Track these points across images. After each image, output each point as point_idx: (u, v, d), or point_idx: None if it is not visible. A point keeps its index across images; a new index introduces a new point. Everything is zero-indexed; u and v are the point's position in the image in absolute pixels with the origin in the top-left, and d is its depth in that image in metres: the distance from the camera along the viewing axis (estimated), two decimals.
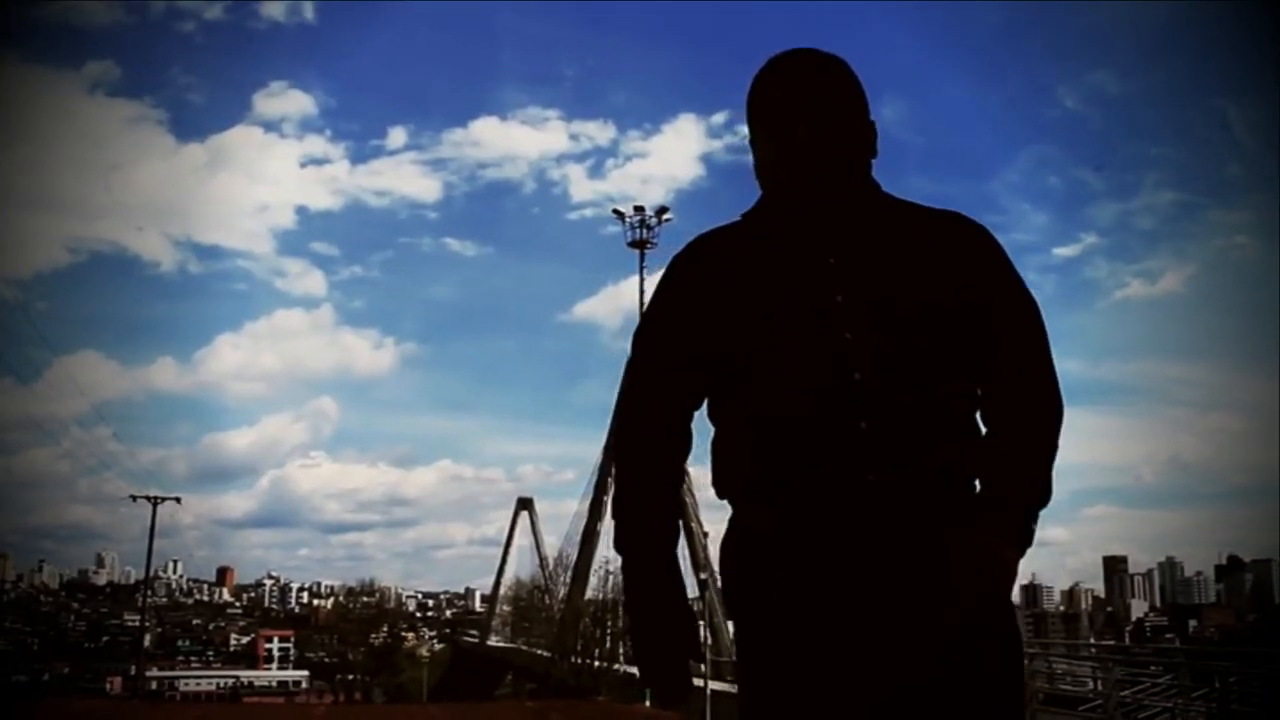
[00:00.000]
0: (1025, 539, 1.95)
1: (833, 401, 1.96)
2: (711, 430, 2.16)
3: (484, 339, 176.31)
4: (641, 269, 51.58)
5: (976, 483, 2.00)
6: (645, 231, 50.55)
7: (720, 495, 2.14)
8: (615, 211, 49.96)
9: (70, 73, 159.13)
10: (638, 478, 2.12)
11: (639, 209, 50.31)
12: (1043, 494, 1.98)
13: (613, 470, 2.15)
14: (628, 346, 2.18)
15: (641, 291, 52.49)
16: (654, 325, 2.19)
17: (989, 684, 1.92)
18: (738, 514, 2.10)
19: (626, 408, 2.17)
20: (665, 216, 50.35)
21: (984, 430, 2.05)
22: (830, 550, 1.93)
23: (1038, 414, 2.04)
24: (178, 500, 48.28)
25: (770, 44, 2.16)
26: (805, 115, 2.08)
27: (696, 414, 2.17)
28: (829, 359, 1.98)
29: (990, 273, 2.11)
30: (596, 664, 59.63)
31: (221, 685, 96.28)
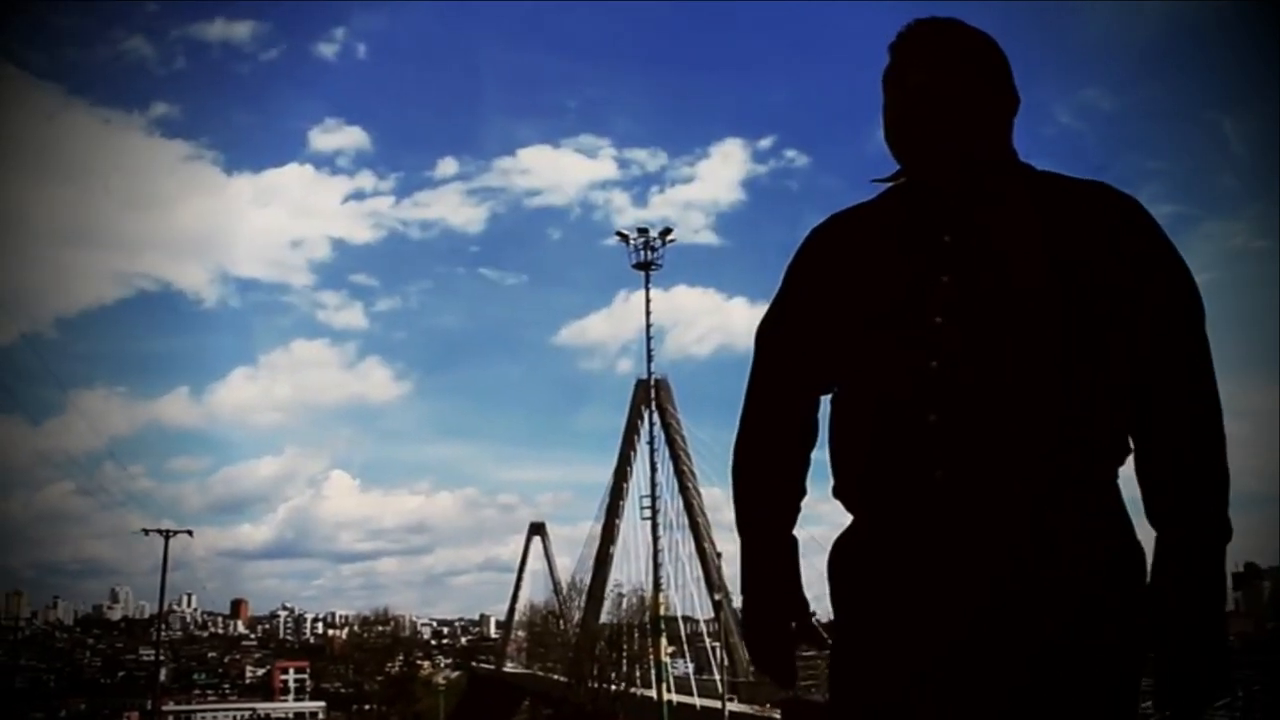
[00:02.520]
0: (1220, 602, 1.80)
1: (909, 394, 1.86)
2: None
3: (493, 364, 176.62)
4: (647, 289, 51.44)
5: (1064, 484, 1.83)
6: (649, 253, 50.44)
7: (836, 494, 2.04)
8: (619, 234, 49.84)
9: (135, 115, 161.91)
10: (760, 458, 2.08)
11: (643, 230, 50.22)
12: (1227, 536, 1.82)
13: (732, 449, 2.11)
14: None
15: (648, 312, 52.36)
16: (779, 313, 2.13)
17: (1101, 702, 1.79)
18: (854, 515, 2.02)
19: (755, 396, 2.12)
20: (669, 238, 50.23)
21: (1139, 445, 1.89)
22: (906, 557, 1.85)
23: (1208, 442, 1.85)
24: (190, 533, 48.11)
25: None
26: (930, 79, 1.97)
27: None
28: (915, 347, 1.87)
29: (1139, 253, 1.90)
30: (613, 688, 59.39)
31: (238, 718, 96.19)
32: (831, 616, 2.00)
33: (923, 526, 1.83)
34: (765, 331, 2.14)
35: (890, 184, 2.06)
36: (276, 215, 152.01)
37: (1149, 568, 1.84)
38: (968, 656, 1.79)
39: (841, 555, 2.00)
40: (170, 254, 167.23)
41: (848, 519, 2.01)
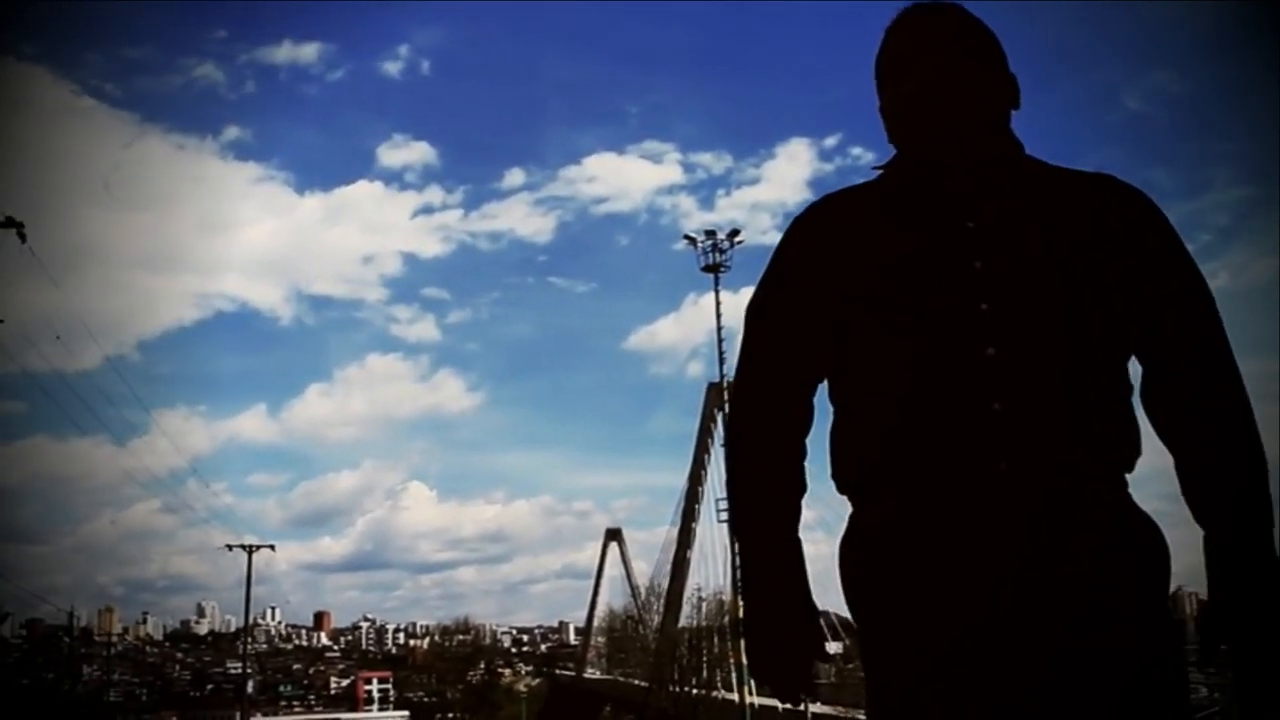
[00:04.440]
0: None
1: (964, 380, 1.79)
2: (830, 416, 1.99)
3: (564, 372, 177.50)
4: (717, 292, 51.29)
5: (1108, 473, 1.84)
6: (718, 255, 50.28)
7: (841, 488, 1.97)
8: (686, 237, 49.69)
9: (207, 139, 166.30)
10: (755, 455, 1.97)
11: (710, 233, 50.07)
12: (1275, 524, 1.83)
13: (726, 449, 2.07)
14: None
15: (718, 315, 52.22)
16: (771, 292, 2.03)
17: (1155, 700, 1.74)
18: (860, 507, 1.93)
19: (743, 380, 2.02)
20: (738, 239, 50.04)
21: (1173, 441, 1.90)
22: (961, 546, 1.77)
23: (1246, 434, 1.86)
24: (272, 548, 48.90)
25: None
26: (938, 66, 1.92)
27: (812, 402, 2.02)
28: (962, 332, 1.81)
29: (1153, 245, 1.91)
30: (694, 692, 59.23)
31: None
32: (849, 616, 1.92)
33: (982, 516, 1.77)
34: (759, 312, 2.03)
35: (886, 169, 2.03)
36: (347, 232, 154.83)
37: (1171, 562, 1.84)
38: (1022, 647, 1.74)
39: (865, 551, 1.90)
40: (246, 274, 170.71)
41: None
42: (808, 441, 2.01)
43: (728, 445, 2.02)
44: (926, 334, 1.83)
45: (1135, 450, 1.89)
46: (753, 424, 1.99)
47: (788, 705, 2.01)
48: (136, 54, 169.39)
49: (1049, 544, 1.76)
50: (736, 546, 1.98)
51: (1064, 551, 1.76)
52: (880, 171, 2.03)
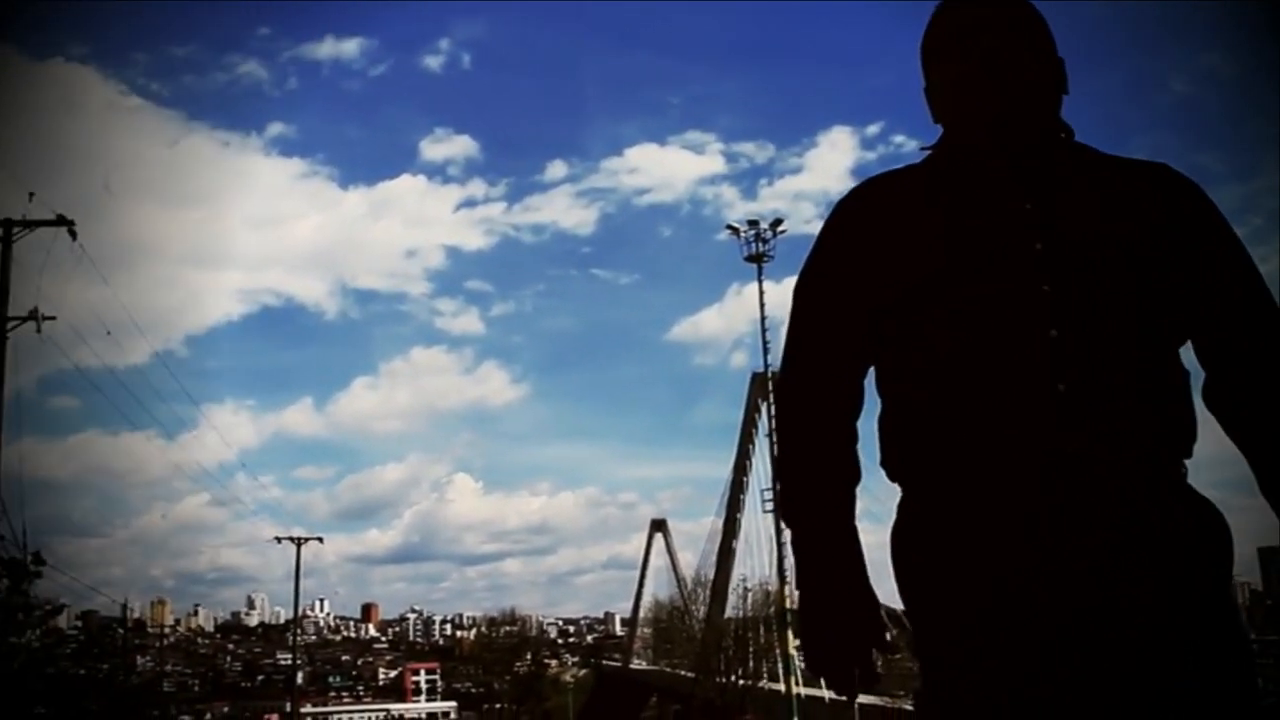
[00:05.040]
0: None
1: (1027, 361, 1.75)
2: (878, 405, 1.94)
3: (608, 363, 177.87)
4: (760, 282, 51.18)
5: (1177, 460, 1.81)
6: (761, 245, 50.14)
7: (892, 475, 1.91)
8: (729, 227, 49.58)
9: (252, 136, 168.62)
10: (805, 439, 1.91)
11: (753, 223, 49.94)
12: None
13: (776, 435, 2.01)
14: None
15: (762, 305, 52.11)
16: (818, 273, 1.98)
17: (1223, 692, 1.69)
18: (914, 494, 1.88)
19: (790, 364, 1.96)
20: (781, 229, 49.87)
21: (1238, 427, 1.85)
22: (1024, 532, 1.72)
23: None
24: (320, 540, 49.24)
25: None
26: (989, 47, 1.88)
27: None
28: (1024, 313, 1.77)
29: (1207, 234, 1.88)
30: (741, 682, 59.24)
31: (373, 718, 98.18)
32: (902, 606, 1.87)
33: (1047, 500, 1.72)
34: (804, 295, 1.98)
35: (933, 151, 1.99)
36: (391, 226, 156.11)
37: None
38: (1086, 635, 1.69)
39: (921, 540, 1.84)
40: (291, 269, 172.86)
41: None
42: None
43: (776, 431, 1.96)
44: (986, 316, 1.79)
45: (1194, 435, 1.84)
46: (800, 408, 1.93)
47: (844, 697, 1.89)
48: (182, 53, 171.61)
49: (1114, 528, 1.72)
50: (789, 535, 1.90)
51: (1130, 535, 1.72)
52: (927, 154, 2.00)
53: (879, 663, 1.78)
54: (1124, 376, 1.76)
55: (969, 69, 1.91)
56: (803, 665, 1.99)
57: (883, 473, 1.94)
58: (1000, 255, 1.81)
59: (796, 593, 1.89)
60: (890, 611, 1.97)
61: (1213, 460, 1.92)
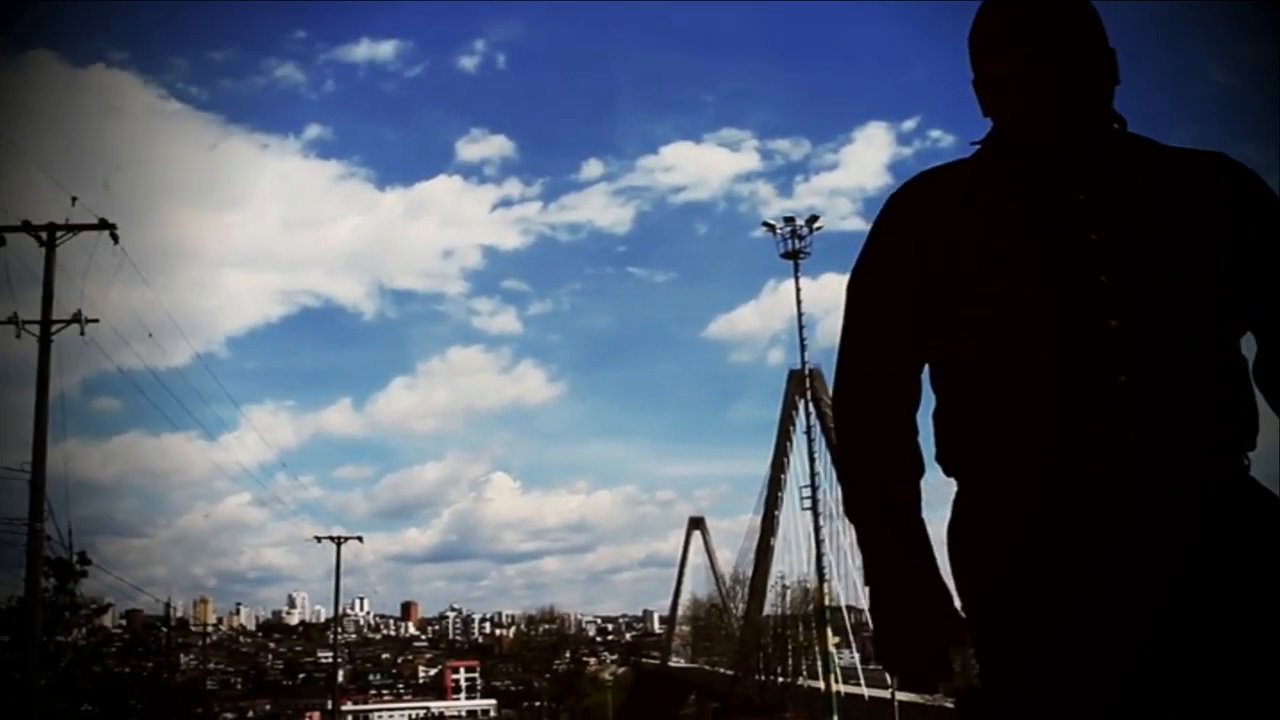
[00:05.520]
0: None
1: (1086, 352, 1.73)
2: (933, 400, 1.93)
3: (645, 362, 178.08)
4: (797, 279, 51.02)
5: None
6: (797, 242, 49.98)
7: (948, 470, 1.89)
8: (765, 224, 49.45)
9: (290, 139, 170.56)
10: (867, 435, 1.89)
11: (789, 220, 49.77)
12: None
13: (834, 432, 1.93)
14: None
15: (798, 302, 51.96)
16: (871, 269, 1.96)
17: None
18: (971, 489, 1.86)
19: (846, 360, 1.94)
20: (817, 225, 49.69)
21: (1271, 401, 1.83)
22: (1087, 525, 1.70)
23: None
24: (360, 539, 49.44)
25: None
26: (1041, 38, 1.85)
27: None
28: (1082, 304, 1.75)
29: (1265, 220, 1.84)
30: (780, 680, 59.15)
31: (413, 717, 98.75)
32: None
33: (1109, 493, 1.70)
34: (860, 285, 1.97)
35: (984, 144, 1.97)
36: (428, 227, 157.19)
37: None
38: (1149, 632, 1.67)
39: (979, 537, 1.82)
40: (329, 270, 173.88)
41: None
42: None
43: (835, 428, 1.93)
44: (1043, 308, 1.76)
45: (1256, 426, 1.81)
46: (860, 404, 1.92)
47: (921, 694, 1.89)
48: (220, 57, 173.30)
49: (1176, 521, 1.70)
50: (854, 532, 1.87)
51: (1191, 529, 1.70)
52: (976, 147, 1.97)
53: (955, 659, 1.76)
54: (1184, 367, 1.73)
55: (1020, 61, 1.88)
56: (878, 665, 1.97)
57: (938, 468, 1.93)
58: (1055, 247, 1.79)
59: (865, 590, 1.86)
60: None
61: (1275, 453, 1.87)
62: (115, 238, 21.29)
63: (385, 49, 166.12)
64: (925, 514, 1.88)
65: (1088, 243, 1.78)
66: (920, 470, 1.89)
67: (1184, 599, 1.68)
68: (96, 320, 21.17)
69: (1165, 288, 1.76)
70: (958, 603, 1.82)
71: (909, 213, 1.94)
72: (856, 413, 1.92)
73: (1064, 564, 1.71)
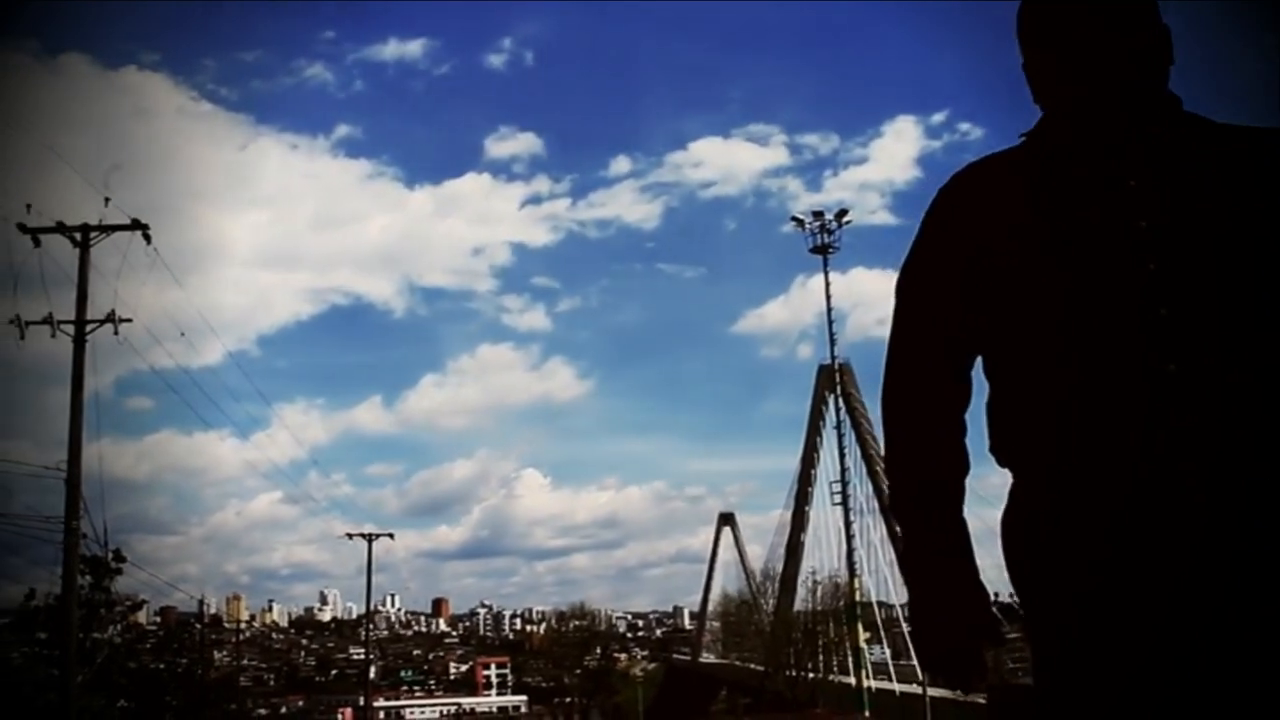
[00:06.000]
0: None
1: (1137, 342, 1.70)
2: (986, 389, 1.91)
3: (674, 358, 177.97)
4: (826, 274, 50.90)
5: None
6: (826, 236, 49.86)
7: (1001, 461, 1.88)
8: (794, 219, 49.43)
9: (319, 138, 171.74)
10: (912, 432, 1.90)
11: (818, 214, 49.70)
12: None
13: (883, 431, 1.95)
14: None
15: (828, 296, 51.82)
16: (921, 264, 1.95)
17: None
18: (1024, 480, 1.85)
19: (895, 358, 1.94)
20: (846, 219, 49.58)
21: None
22: (1138, 517, 1.68)
23: None
24: (391, 536, 49.52)
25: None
26: (1093, 20, 1.82)
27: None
28: (1131, 293, 1.72)
29: None
30: (811, 675, 59.03)
31: (445, 712, 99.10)
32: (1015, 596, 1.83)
33: (1162, 483, 1.68)
34: (910, 282, 1.96)
35: (1034, 132, 1.93)
36: (457, 224, 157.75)
37: None
38: (1205, 626, 1.65)
39: (1030, 530, 1.81)
40: (359, 269, 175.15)
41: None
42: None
43: (884, 426, 1.93)
44: (1092, 297, 1.74)
45: None
46: (909, 403, 1.92)
47: (957, 692, 1.88)
48: (249, 58, 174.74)
49: (1228, 512, 1.67)
50: (897, 528, 1.89)
51: (1244, 521, 1.67)
52: (1025, 138, 1.94)
53: (990, 658, 1.76)
54: (1237, 356, 1.70)
55: (1070, 44, 1.85)
56: (917, 663, 1.97)
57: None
58: (1104, 236, 1.76)
59: (905, 587, 1.90)
60: (1001, 605, 1.93)
61: None
62: (148, 238, 21.44)
63: (413, 48, 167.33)
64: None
65: (1137, 230, 1.75)
66: (965, 469, 1.90)
67: (1237, 592, 1.65)
68: (130, 320, 21.32)
69: (1218, 274, 1.72)
70: (1010, 595, 1.82)
71: (957, 208, 1.92)
72: (903, 411, 1.93)
73: (1118, 555, 1.70)
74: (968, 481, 1.92)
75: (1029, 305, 1.80)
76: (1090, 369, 1.73)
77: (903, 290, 1.97)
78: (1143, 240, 1.74)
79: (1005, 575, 1.86)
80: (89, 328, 20.69)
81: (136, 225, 21.37)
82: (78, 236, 20.81)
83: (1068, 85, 1.87)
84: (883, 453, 1.96)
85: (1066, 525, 1.75)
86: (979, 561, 1.87)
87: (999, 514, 1.88)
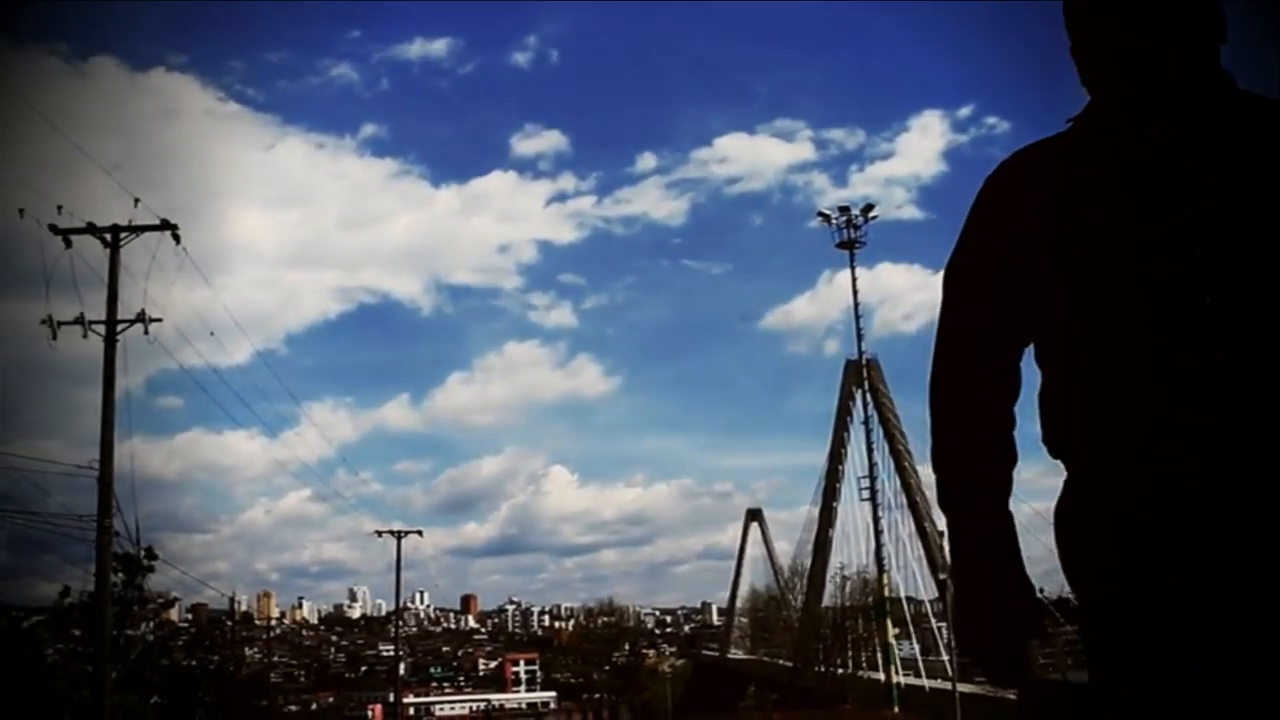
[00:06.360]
0: None
1: (1182, 331, 1.67)
2: (1039, 378, 1.88)
3: (700, 354, 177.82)
4: (853, 269, 50.77)
5: None
6: (853, 231, 49.71)
7: (1053, 453, 1.85)
8: (820, 214, 49.30)
9: (345, 138, 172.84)
10: (959, 425, 1.88)
11: (844, 209, 49.54)
12: None
13: (929, 414, 1.93)
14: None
15: (855, 291, 51.69)
16: (968, 253, 1.92)
17: None
18: (1076, 472, 1.82)
19: (942, 351, 1.92)
20: (872, 214, 49.40)
21: None
22: (1191, 508, 1.65)
23: None
24: (419, 533, 49.71)
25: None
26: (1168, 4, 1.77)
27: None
28: (1176, 281, 1.68)
29: None
30: (840, 671, 58.88)
31: (474, 709, 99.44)
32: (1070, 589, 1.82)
33: (1216, 473, 1.64)
34: (957, 274, 1.93)
35: (1082, 117, 1.89)
36: (483, 222, 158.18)
37: None
38: (1260, 618, 1.61)
39: (1082, 522, 1.79)
40: (386, 267, 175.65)
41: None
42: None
43: (932, 419, 1.91)
44: (1138, 284, 1.71)
45: None
46: (954, 393, 1.90)
47: (1001, 685, 1.86)
48: (276, 58, 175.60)
49: None
50: (944, 522, 1.87)
51: None
52: (1071, 123, 1.90)
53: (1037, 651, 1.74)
54: None
55: (1120, 24, 1.81)
56: (960, 655, 1.98)
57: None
58: (1150, 223, 1.72)
59: (951, 582, 1.89)
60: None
61: None
62: (177, 238, 21.59)
63: (438, 47, 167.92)
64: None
65: (1184, 216, 1.71)
66: (1012, 462, 1.88)
67: None
68: (160, 319, 21.49)
69: (1264, 259, 1.68)
70: (1066, 589, 1.79)
71: (1005, 196, 1.90)
72: (950, 404, 1.91)
73: (1170, 548, 1.67)
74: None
75: (1076, 296, 1.77)
76: (1137, 359, 1.70)
77: (950, 281, 1.94)
78: (1189, 227, 1.70)
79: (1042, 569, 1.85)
80: (120, 327, 20.86)
81: (166, 225, 21.52)
82: (108, 237, 20.98)
83: (1117, 67, 1.83)
84: (929, 446, 1.93)
85: (1121, 518, 1.72)
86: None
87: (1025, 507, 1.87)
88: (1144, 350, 1.69)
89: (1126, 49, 1.80)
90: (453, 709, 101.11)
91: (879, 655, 51.12)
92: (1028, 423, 1.90)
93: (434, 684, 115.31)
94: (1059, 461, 1.87)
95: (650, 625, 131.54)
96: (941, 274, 1.97)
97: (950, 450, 1.89)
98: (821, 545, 67.96)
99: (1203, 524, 1.65)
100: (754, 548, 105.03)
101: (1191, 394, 1.66)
